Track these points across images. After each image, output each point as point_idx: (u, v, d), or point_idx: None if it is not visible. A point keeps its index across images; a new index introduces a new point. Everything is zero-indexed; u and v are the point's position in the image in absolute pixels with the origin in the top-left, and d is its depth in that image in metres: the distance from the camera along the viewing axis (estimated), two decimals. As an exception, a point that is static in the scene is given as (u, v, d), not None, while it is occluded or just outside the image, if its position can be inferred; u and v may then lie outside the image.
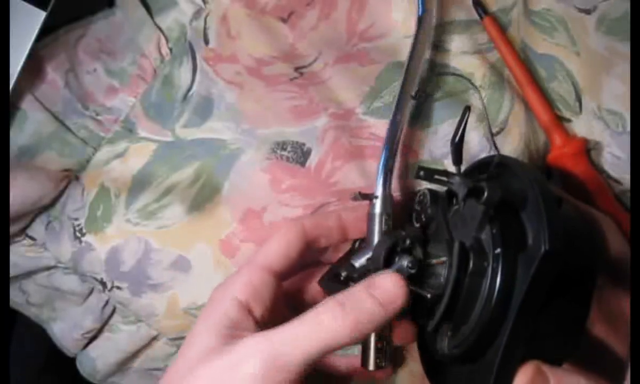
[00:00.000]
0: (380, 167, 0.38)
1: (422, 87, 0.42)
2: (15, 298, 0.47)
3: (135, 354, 0.46)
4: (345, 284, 0.35)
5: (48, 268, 0.45)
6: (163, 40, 0.44)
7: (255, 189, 0.42)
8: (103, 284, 0.43)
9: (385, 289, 0.31)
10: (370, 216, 0.37)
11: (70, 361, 0.48)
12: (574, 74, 0.42)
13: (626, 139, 0.40)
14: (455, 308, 0.30)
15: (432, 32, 0.42)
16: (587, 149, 0.42)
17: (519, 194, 0.31)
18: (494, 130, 0.42)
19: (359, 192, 0.37)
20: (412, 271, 0.32)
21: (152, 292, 0.43)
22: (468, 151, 0.42)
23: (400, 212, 0.41)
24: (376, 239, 0.36)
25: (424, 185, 0.36)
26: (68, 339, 0.46)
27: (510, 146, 0.42)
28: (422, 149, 0.42)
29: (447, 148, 0.42)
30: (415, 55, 0.40)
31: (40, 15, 0.41)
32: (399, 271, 0.32)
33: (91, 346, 0.47)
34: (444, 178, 0.33)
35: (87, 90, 0.44)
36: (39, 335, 0.48)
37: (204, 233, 0.42)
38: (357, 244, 0.38)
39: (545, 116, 0.42)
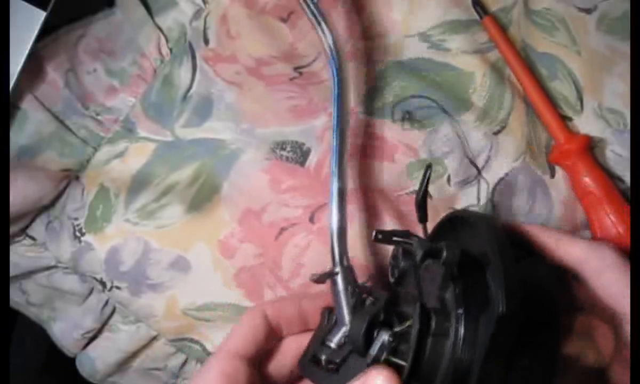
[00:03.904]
0: (335, 241, 0.36)
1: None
2: (15, 297, 0.47)
3: (135, 354, 0.46)
4: (326, 368, 0.35)
5: (48, 268, 0.45)
6: (163, 40, 0.44)
7: (255, 189, 0.42)
8: (103, 284, 0.43)
9: None
10: (334, 293, 0.36)
11: (70, 361, 0.48)
12: (575, 73, 0.41)
13: (627, 137, 0.40)
14: (420, 369, 0.30)
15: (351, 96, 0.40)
16: (591, 147, 0.42)
17: (479, 252, 0.30)
18: (496, 128, 0.42)
19: (319, 274, 0.35)
20: (394, 344, 0.31)
21: (151, 292, 0.42)
22: (469, 150, 0.42)
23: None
24: (346, 313, 0.35)
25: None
26: (68, 339, 0.46)
27: (512, 144, 0.42)
28: (422, 148, 0.42)
29: (447, 147, 0.42)
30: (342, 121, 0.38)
31: (40, 15, 0.41)
32: (382, 348, 0.32)
33: (91, 346, 0.46)
34: (403, 240, 0.33)
35: (87, 90, 0.44)
36: (39, 335, 0.48)
37: (203, 233, 0.42)
38: (326, 315, 0.37)
39: (548, 114, 0.42)
